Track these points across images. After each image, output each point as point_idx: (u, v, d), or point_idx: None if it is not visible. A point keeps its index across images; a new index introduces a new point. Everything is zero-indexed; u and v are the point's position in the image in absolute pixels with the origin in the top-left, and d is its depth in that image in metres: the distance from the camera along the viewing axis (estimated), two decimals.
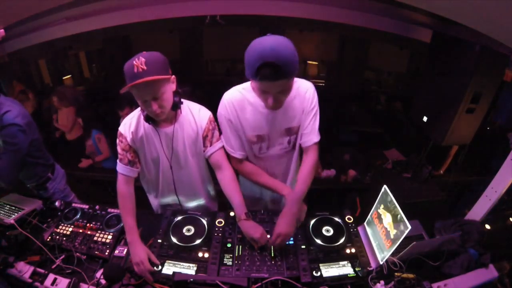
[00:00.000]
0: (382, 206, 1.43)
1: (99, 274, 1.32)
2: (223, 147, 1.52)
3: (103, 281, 1.26)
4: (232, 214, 1.53)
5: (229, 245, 1.42)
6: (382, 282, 1.24)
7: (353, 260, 1.36)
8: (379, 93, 5.25)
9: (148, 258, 1.31)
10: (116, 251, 1.41)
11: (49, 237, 1.51)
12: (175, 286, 1.22)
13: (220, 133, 1.52)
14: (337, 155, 3.48)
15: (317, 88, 1.47)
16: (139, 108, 1.42)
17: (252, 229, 1.38)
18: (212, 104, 1.56)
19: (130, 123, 1.46)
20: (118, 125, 1.50)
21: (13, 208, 1.64)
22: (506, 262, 1.39)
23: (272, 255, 1.36)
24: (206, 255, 1.37)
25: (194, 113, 1.49)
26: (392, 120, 4.45)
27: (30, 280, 1.31)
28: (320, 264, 1.33)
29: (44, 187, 1.97)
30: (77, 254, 1.41)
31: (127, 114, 1.55)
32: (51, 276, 1.31)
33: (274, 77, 1.14)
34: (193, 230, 1.49)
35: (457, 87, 2.10)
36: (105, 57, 5.28)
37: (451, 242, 1.42)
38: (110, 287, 1.26)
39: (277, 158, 1.58)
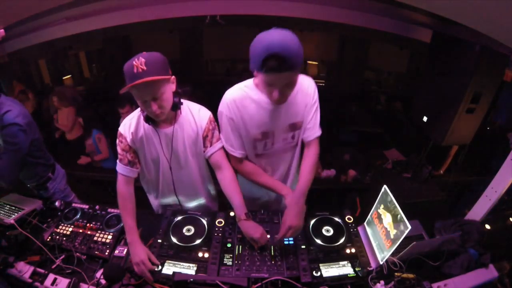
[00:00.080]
0: (382, 206, 1.43)
1: (99, 274, 1.32)
2: (223, 147, 1.52)
3: (103, 281, 1.26)
4: (232, 214, 1.53)
5: (229, 245, 1.42)
6: (382, 282, 1.24)
7: (353, 260, 1.36)
8: (379, 93, 5.25)
9: (148, 258, 1.31)
10: (116, 251, 1.41)
11: (49, 237, 1.51)
12: (175, 286, 1.22)
13: (219, 132, 1.52)
14: (337, 155, 3.48)
15: (317, 88, 1.47)
16: (139, 109, 1.42)
17: (252, 229, 1.38)
18: (212, 104, 1.55)
19: (130, 124, 1.46)
20: (118, 125, 1.50)
21: (13, 208, 1.64)
22: (506, 262, 1.39)
23: (272, 255, 1.36)
24: (206, 255, 1.37)
25: (194, 113, 1.49)
26: (392, 120, 4.45)
27: (30, 280, 1.31)
28: (320, 264, 1.33)
29: (44, 187, 1.97)
30: (77, 254, 1.41)
31: (127, 112, 1.55)
32: (51, 276, 1.31)
33: (280, 69, 1.13)
34: (193, 230, 1.49)
35: (457, 87, 2.10)
36: (105, 57, 5.28)
37: (451, 242, 1.42)
38: (110, 287, 1.26)
39: (281, 153, 1.58)
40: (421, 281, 1.27)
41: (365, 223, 1.56)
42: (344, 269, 1.32)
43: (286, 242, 1.42)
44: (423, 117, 2.48)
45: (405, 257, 1.35)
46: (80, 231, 1.54)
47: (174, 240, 1.44)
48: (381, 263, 1.32)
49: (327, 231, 1.49)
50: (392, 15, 2.75)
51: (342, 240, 1.45)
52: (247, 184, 1.63)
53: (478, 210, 1.61)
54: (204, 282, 1.22)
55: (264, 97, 1.37)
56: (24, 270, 1.33)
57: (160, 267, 1.31)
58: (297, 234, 1.39)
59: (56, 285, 1.28)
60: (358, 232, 1.51)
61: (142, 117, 1.41)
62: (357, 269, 1.31)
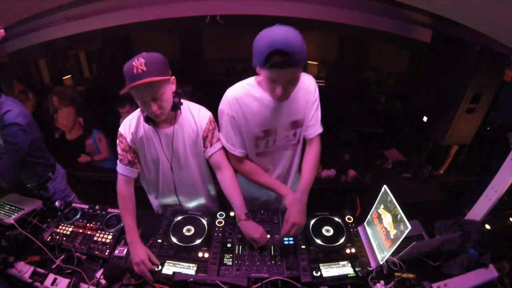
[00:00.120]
0: (382, 206, 1.43)
1: (99, 274, 1.32)
2: (223, 147, 1.52)
3: (103, 281, 1.26)
4: (232, 214, 1.53)
5: (229, 245, 1.42)
6: (382, 282, 1.24)
7: (353, 260, 1.36)
8: (379, 93, 5.24)
9: (148, 258, 1.31)
10: (116, 251, 1.41)
11: (49, 237, 1.51)
12: (175, 286, 1.22)
13: (219, 131, 1.51)
14: (337, 155, 3.48)
15: (317, 87, 1.47)
16: (139, 109, 1.42)
17: (252, 229, 1.38)
18: (212, 104, 1.55)
19: (130, 124, 1.46)
20: (118, 125, 1.50)
21: (13, 208, 1.64)
22: (506, 262, 1.39)
23: (272, 255, 1.36)
24: (206, 255, 1.37)
25: (194, 114, 1.49)
26: (392, 120, 4.45)
27: (30, 280, 1.31)
28: (320, 264, 1.33)
29: (44, 187, 1.97)
30: (77, 254, 1.41)
31: (128, 111, 1.55)
32: (51, 276, 1.31)
33: (284, 65, 1.13)
34: (193, 230, 1.49)
35: (457, 87, 2.10)
36: (105, 57, 5.27)
37: (451, 242, 1.42)
38: (110, 287, 1.26)
39: (282, 151, 1.58)
40: (421, 281, 1.27)
41: (365, 223, 1.56)
42: (344, 269, 1.32)
43: (286, 242, 1.42)
44: (423, 117, 2.48)
45: (405, 257, 1.35)
46: (80, 231, 1.54)
47: (174, 240, 1.44)
48: (381, 263, 1.32)
49: (327, 231, 1.49)
50: (392, 15, 2.75)
51: (342, 240, 1.45)
52: (247, 184, 1.63)
53: (478, 210, 1.61)
54: (204, 282, 1.22)
55: (266, 95, 1.37)
56: (24, 270, 1.33)
57: (160, 267, 1.31)
58: (300, 232, 1.39)
59: (56, 285, 1.28)
60: (358, 232, 1.51)
61: (142, 117, 1.41)
62: (357, 269, 1.31)
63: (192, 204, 1.74)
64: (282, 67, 1.14)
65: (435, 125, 2.35)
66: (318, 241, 1.44)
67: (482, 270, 1.35)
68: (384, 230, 1.37)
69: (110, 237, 1.49)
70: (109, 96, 4.28)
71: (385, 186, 1.41)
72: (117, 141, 1.48)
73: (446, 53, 2.26)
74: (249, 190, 1.69)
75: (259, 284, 1.24)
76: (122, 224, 1.50)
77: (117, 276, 1.25)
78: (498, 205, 1.57)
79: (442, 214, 2.48)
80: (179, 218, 1.55)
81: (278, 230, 1.47)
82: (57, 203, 1.71)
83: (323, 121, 1.52)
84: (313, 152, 1.51)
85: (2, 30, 1.86)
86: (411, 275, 1.29)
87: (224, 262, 1.34)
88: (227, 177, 1.50)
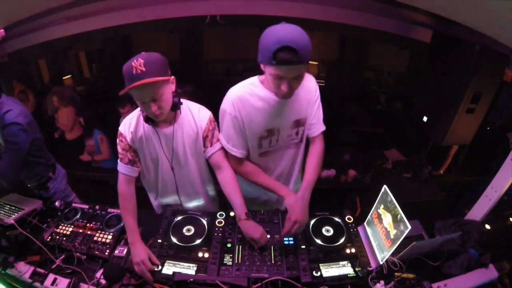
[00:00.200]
0: (382, 206, 1.43)
1: (99, 274, 1.32)
2: (223, 147, 1.52)
3: (103, 281, 1.26)
4: (232, 214, 1.53)
5: (229, 245, 1.41)
6: (382, 282, 1.24)
7: (353, 260, 1.36)
8: (379, 93, 5.24)
9: (149, 258, 1.31)
10: (116, 251, 1.41)
11: (49, 237, 1.51)
12: (175, 286, 1.22)
13: (220, 131, 1.51)
14: (337, 155, 3.48)
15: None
16: (139, 108, 1.42)
17: (252, 229, 1.38)
18: (212, 104, 1.55)
19: (130, 123, 1.46)
20: (118, 125, 1.50)
21: (13, 208, 1.64)
22: (506, 262, 1.39)
23: (272, 255, 1.36)
24: (206, 255, 1.36)
25: (194, 114, 1.49)
26: (392, 120, 4.45)
27: (30, 280, 1.31)
28: (320, 264, 1.33)
29: (45, 187, 1.97)
30: (77, 254, 1.41)
31: (128, 111, 1.55)
32: (51, 276, 1.31)
33: (291, 61, 1.14)
34: (193, 230, 1.49)
35: (457, 87, 2.10)
36: (105, 57, 5.28)
37: (451, 242, 1.42)
38: (110, 287, 1.26)
39: (285, 150, 1.58)
40: (421, 281, 1.27)
41: (365, 223, 1.56)
42: (344, 269, 1.32)
43: (286, 242, 1.42)
44: (423, 117, 2.48)
45: (405, 257, 1.35)
46: (80, 231, 1.54)
47: (174, 240, 1.43)
48: (381, 263, 1.32)
49: (327, 231, 1.49)
50: (392, 15, 2.75)
51: (342, 240, 1.45)
52: (247, 185, 1.63)
53: (478, 210, 1.61)
54: (204, 282, 1.22)
55: (270, 94, 1.37)
56: (24, 270, 1.33)
57: (160, 267, 1.31)
58: (301, 230, 1.39)
59: (56, 285, 1.29)
60: (358, 232, 1.51)
61: (142, 117, 1.41)
62: (357, 269, 1.31)
63: (191, 204, 1.74)
64: (290, 64, 1.15)
65: (435, 125, 2.35)
66: (318, 241, 1.43)
67: (482, 270, 1.35)
68: (384, 230, 1.37)
69: (110, 237, 1.49)
70: (109, 96, 4.28)
71: (385, 186, 1.41)
72: (117, 140, 1.48)
73: (446, 53, 2.26)
74: (249, 190, 1.69)
75: (259, 284, 1.24)
76: (122, 224, 1.50)
77: (117, 276, 1.25)
78: (498, 205, 1.56)
79: (442, 214, 2.48)
80: (179, 218, 1.55)
81: (278, 230, 1.47)
82: (57, 203, 1.71)
83: (323, 121, 1.53)
84: (316, 151, 1.53)
85: (2, 30, 1.86)
86: (411, 275, 1.29)
87: (224, 262, 1.34)
88: (227, 177, 1.50)
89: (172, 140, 1.46)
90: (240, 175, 1.57)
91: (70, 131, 3.53)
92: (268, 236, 1.42)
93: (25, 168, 1.80)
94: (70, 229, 1.55)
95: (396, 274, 1.30)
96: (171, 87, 1.34)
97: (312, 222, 1.52)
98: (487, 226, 1.60)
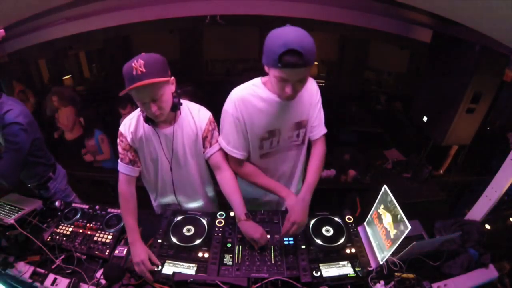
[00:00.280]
0: (382, 206, 1.43)
1: (99, 274, 1.32)
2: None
3: (103, 281, 1.26)
4: (232, 214, 1.53)
5: (229, 245, 1.41)
6: (382, 282, 1.24)
7: (353, 260, 1.36)
8: (379, 93, 5.24)
9: (149, 258, 1.31)
10: (116, 251, 1.41)
11: (49, 237, 1.51)
12: (175, 286, 1.22)
13: (220, 132, 1.51)
14: (337, 155, 3.47)
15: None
16: (139, 109, 1.42)
17: (252, 229, 1.38)
18: (212, 104, 1.55)
19: (130, 123, 1.46)
20: (119, 125, 1.50)
21: (13, 208, 1.64)
22: (506, 262, 1.39)
23: (272, 255, 1.36)
24: (206, 255, 1.36)
25: (193, 114, 1.49)
26: (392, 120, 4.45)
27: (30, 280, 1.31)
28: (320, 264, 1.33)
29: (45, 187, 1.97)
30: (77, 254, 1.41)
31: (129, 112, 1.55)
32: (51, 276, 1.31)
33: (297, 65, 1.14)
34: (193, 230, 1.49)
35: (457, 87, 2.10)
36: (105, 57, 5.28)
37: (451, 242, 1.42)
38: (110, 287, 1.26)
39: (286, 151, 1.58)
40: (421, 281, 1.27)
41: (365, 223, 1.56)
42: (344, 269, 1.32)
43: (286, 242, 1.42)
44: (423, 117, 2.49)
45: (405, 257, 1.35)
46: (80, 231, 1.54)
47: (174, 240, 1.43)
48: (381, 263, 1.32)
49: (327, 231, 1.49)
50: (392, 15, 2.76)
51: (342, 240, 1.45)
52: (247, 185, 1.63)
53: (478, 210, 1.61)
54: (204, 282, 1.22)
55: (272, 95, 1.37)
56: (24, 270, 1.33)
57: (160, 267, 1.31)
58: (300, 231, 1.39)
59: (56, 285, 1.29)
60: (358, 232, 1.51)
61: (142, 117, 1.41)
62: (357, 269, 1.31)
63: (191, 205, 1.74)
64: (295, 67, 1.15)
65: (435, 125, 2.35)
66: (318, 241, 1.43)
67: (482, 270, 1.35)
68: (384, 230, 1.37)
69: (110, 237, 1.49)
70: (109, 96, 4.28)
71: (385, 186, 1.41)
72: (118, 140, 1.48)
73: (446, 53, 2.26)
74: (249, 191, 1.69)
75: (259, 284, 1.24)
76: (122, 224, 1.50)
77: (117, 276, 1.25)
78: (498, 205, 1.57)
79: (442, 214, 2.49)
80: (179, 218, 1.55)
81: (278, 230, 1.47)
82: (57, 203, 1.71)
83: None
84: (317, 154, 1.53)
85: (2, 30, 1.86)
86: (411, 275, 1.29)
87: (224, 262, 1.34)
88: (226, 177, 1.50)
89: (172, 140, 1.46)
90: (241, 177, 1.57)
91: (71, 131, 3.54)
92: (268, 236, 1.42)
93: (25, 168, 1.80)
94: (70, 229, 1.55)
95: (396, 274, 1.30)
96: (171, 87, 1.34)
97: (312, 222, 1.52)
98: (487, 226, 1.60)
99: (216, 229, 1.49)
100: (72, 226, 1.57)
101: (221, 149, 1.51)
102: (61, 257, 1.39)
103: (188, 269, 1.31)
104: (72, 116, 3.47)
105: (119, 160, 1.49)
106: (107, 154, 3.36)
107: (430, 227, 1.60)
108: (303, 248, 1.39)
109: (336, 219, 1.55)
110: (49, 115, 3.69)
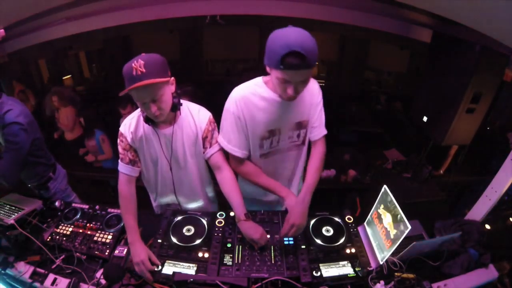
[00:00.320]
0: (382, 206, 1.43)
1: (99, 274, 1.32)
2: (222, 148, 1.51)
3: (103, 281, 1.26)
4: (232, 214, 1.53)
5: (229, 245, 1.41)
6: (382, 282, 1.24)
7: (353, 260, 1.36)
8: (379, 93, 5.24)
9: (149, 258, 1.31)
10: (116, 251, 1.41)
11: (49, 237, 1.51)
12: (175, 286, 1.22)
13: (220, 131, 1.51)
14: (337, 155, 3.47)
15: None
16: (139, 109, 1.42)
17: (252, 229, 1.38)
18: (212, 104, 1.55)
19: (130, 123, 1.46)
20: (119, 125, 1.50)
21: (13, 208, 1.64)
22: (506, 262, 1.39)
23: (272, 255, 1.36)
24: (206, 255, 1.36)
25: (193, 114, 1.49)
26: (392, 120, 4.45)
27: (30, 280, 1.31)
28: (320, 264, 1.33)
29: (45, 187, 1.97)
30: (77, 254, 1.41)
31: (129, 112, 1.55)
32: (51, 276, 1.31)
33: (299, 66, 1.14)
34: (193, 230, 1.49)
35: (457, 87, 2.10)
36: (105, 57, 5.28)
37: (451, 242, 1.42)
38: (110, 287, 1.26)
39: (286, 151, 1.58)
40: (421, 281, 1.27)
41: (365, 223, 1.56)
42: (344, 269, 1.32)
43: (286, 242, 1.42)
44: (423, 117, 2.48)
45: (405, 257, 1.35)
46: (80, 231, 1.54)
47: (174, 240, 1.43)
48: (381, 263, 1.32)
49: (327, 231, 1.49)
50: (392, 15, 2.76)
51: (342, 240, 1.45)
52: (247, 185, 1.63)
53: (478, 210, 1.61)
54: (204, 282, 1.22)
55: (274, 95, 1.37)
56: (24, 270, 1.34)
57: (160, 267, 1.31)
58: (299, 233, 1.39)
59: (56, 285, 1.29)
60: (358, 232, 1.51)
61: (142, 117, 1.41)
62: (357, 269, 1.31)
63: (190, 205, 1.73)
64: (297, 68, 1.15)
65: (435, 125, 2.35)
66: (318, 241, 1.43)
67: (482, 270, 1.35)
68: (384, 230, 1.37)
69: (110, 237, 1.49)
70: (109, 96, 4.28)
71: (385, 186, 1.41)
72: (118, 140, 1.48)
73: (446, 53, 2.26)
74: (249, 190, 1.69)
75: (259, 284, 1.24)
76: (122, 224, 1.50)
77: (117, 276, 1.25)
78: (498, 205, 1.57)
79: (442, 214, 2.48)
80: (179, 218, 1.55)
81: (278, 230, 1.47)
82: (57, 203, 1.71)
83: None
84: (317, 154, 1.53)
85: (2, 30, 1.86)
86: (411, 275, 1.29)
87: (224, 262, 1.34)
88: (226, 178, 1.50)
89: (172, 140, 1.46)
90: (241, 176, 1.58)
91: (71, 131, 3.53)
92: (268, 236, 1.42)
93: (25, 168, 1.80)
94: (70, 229, 1.55)
95: (396, 274, 1.30)
96: (171, 88, 1.34)
97: (312, 222, 1.52)
98: (487, 226, 1.60)
99: (216, 229, 1.49)
100: (72, 226, 1.57)
101: (221, 149, 1.51)
102: (61, 257, 1.39)
103: (188, 269, 1.31)
104: (72, 116, 3.47)
105: (119, 160, 1.49)
106: (109, 154, 3.36)
107: (430, 227, 1.60)
108: (303, 248, 1.39)
109: (336, 219, 1.55)
110: (49, 115, 3.69)
